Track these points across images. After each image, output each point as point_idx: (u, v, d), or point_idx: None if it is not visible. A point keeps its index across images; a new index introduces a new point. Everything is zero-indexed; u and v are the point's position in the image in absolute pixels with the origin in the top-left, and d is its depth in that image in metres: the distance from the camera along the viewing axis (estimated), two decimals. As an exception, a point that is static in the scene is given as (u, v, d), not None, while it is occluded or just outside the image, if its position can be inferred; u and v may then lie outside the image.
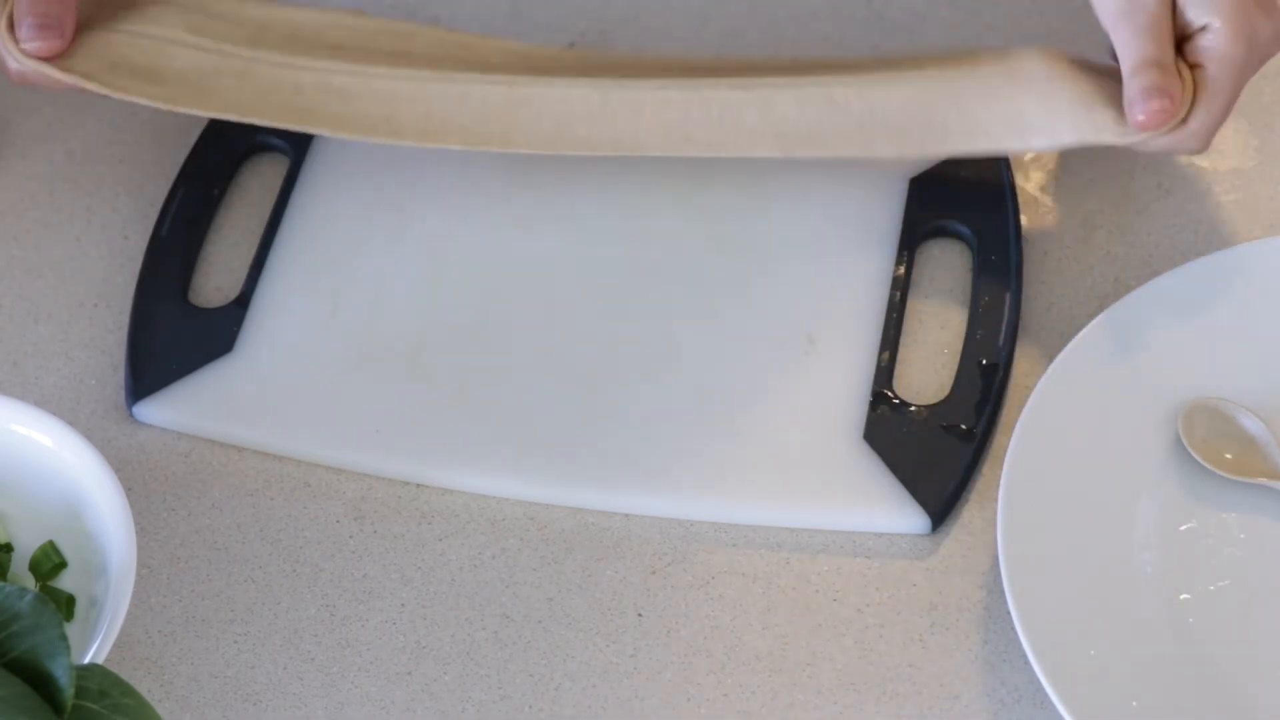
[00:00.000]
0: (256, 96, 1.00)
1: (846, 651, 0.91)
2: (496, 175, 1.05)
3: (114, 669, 0.84)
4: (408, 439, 0.97)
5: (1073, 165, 1.06)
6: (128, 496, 0.89)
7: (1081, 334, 0.95)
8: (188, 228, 1.04)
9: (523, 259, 1.02)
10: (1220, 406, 0.94)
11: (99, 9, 1.01)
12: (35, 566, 0.90)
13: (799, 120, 0.97)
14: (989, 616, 0.92)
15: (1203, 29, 0.93)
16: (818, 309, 1.00)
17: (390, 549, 0.95)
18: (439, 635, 0.92)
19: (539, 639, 0.92)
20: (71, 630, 0.88)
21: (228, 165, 1.07)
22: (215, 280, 1.04)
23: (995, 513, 0.91)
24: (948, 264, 1.03)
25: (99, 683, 0.82)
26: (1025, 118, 0.95)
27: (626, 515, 0.95)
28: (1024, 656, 0.89)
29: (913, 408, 0.97)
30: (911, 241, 1.02)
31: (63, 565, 0.90)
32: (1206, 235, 1.03)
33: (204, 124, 1.08)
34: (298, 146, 1.07)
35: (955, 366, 0.98)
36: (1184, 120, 0.93)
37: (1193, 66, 0.93)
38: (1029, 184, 1.06)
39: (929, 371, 0.99)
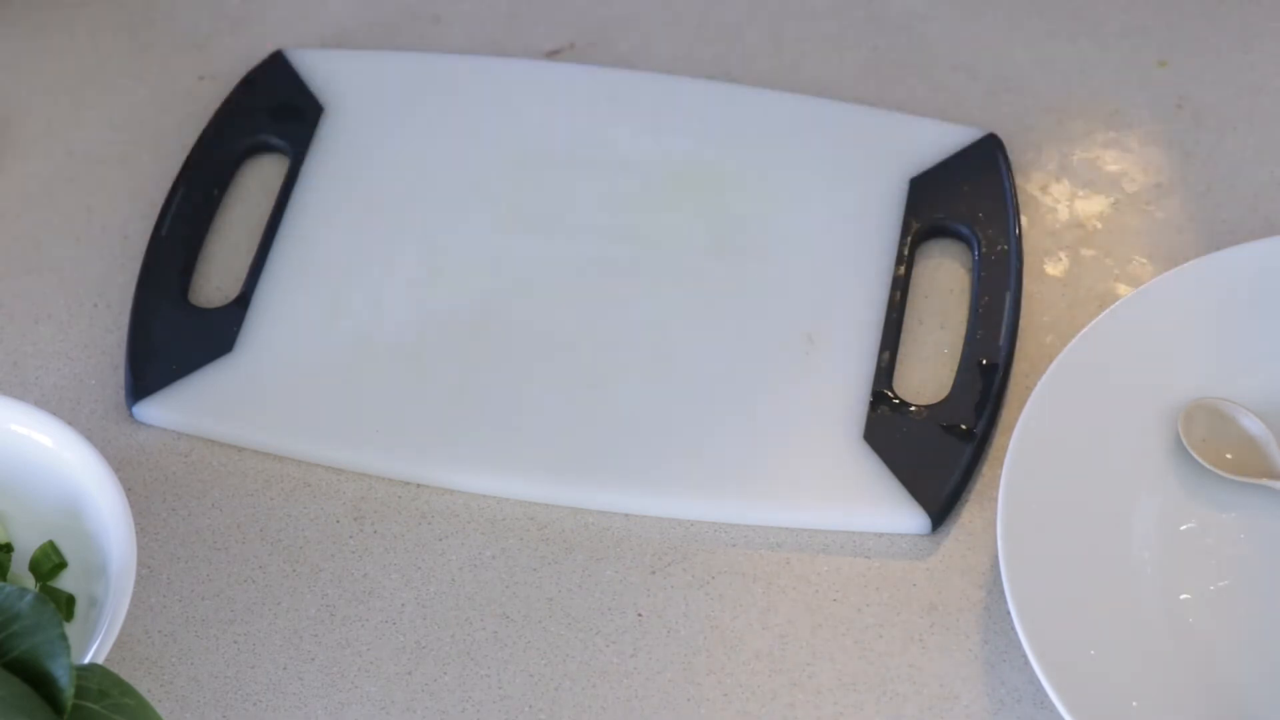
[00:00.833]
0: None
1: (846, 651, 0.91)
2: (496, 175, 1.05)
3: (114, 669, 0.84)
4: (408, 439, 0.97)
5: (1073, 166, 1.06)
6: (128, 496, 0.89)
7: (1081, 334, 0.95)
8: (188, 228, 1.04)
9: (523, 259, 1.02)
10: (1220, 406, 0.94)
11: None
12: (35, 566, 0.90)
13: None
14: (989, 616, 0.92)
15: None
16: (818, 309, 1.00)
17: (390, 549, 0.95)
18: (439, 635, 0.92)
19: (539, 639, 0.92)
20: (71, 630, 0.88)
21: (228, 165, 1.07)
22: (215, 280, 1.04)
23: (995, 513, 0.91)
24: (948, 264, 1.03)
25: (99, 683, 0.82)
26: None
27: (626, 515, 0.95)
28: (1024, 656, 0.89)
29: (913, 408, 0.97)
30: (911, 241, 1.02)
31: (63, 565, 0.90)
32: (1206, 235, 1.03)
33: (204, 124, 1.08)
34: (298, 146, 1.07)
35: (955, 366, 0.98)
36: None
37: None
38: (1029, 184, 1.06)
39: (929, 371, 0.99)
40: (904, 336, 1.00)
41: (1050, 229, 1.04)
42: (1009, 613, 0.89)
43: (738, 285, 1.01)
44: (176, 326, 1.01)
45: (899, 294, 1.00)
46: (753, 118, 1.07)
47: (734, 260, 1.02)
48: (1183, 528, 0.92)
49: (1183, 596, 0.90)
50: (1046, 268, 1.03)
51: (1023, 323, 1.00)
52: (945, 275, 1.02)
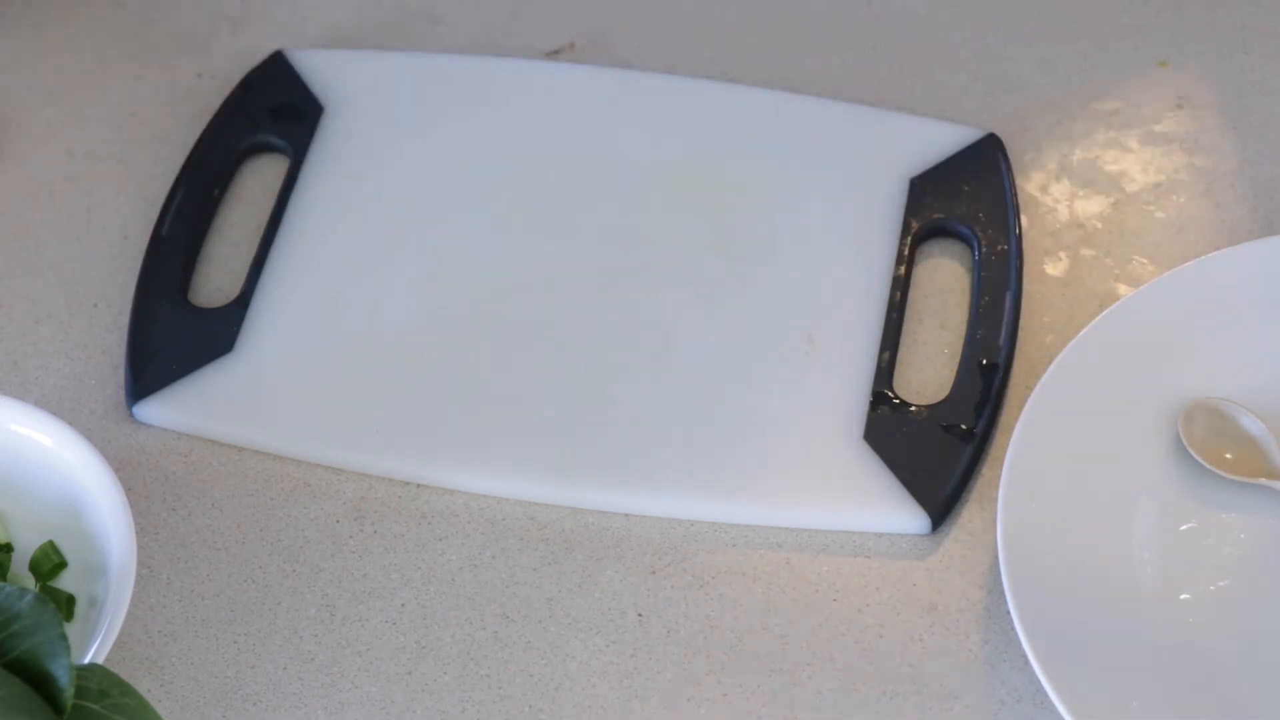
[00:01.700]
0: None
1: (846, 651, 0.91)
2: (496, 175, 1.05)
3: (114, 669, 0.84)
4: (408, 439, 0.97)
5: (1073, 166, 1.06)
6: (128, 496, 0.89)
7: (1081, 334, 0.95)
8: (188, 228, 1.04)
9: (523, 259, 1.02)
10: (1220, 406, 0.94)
11: None
12: (35, 566, 0.90)
13: None
14: (989, 616, 0.92)
15: None
16: (818, 309, 1.00)
17: (390, 549, 0.95)
18: (439, 635, 0.92)
19: (539, 639, 0.92)
20: (71, 630, 0.88)
21: (228, 165, 1.07)
22: (215, 280, 1.04)
23: (995, 513, 0.91)
24: (948, 264, 1.03)
25: (99, 683, 0.82)
26: None
27: (626, 515, 0.95)
28: (1024, 656, 0.89)
29: (913, 408, 0.97)
30: (911, 241, 1.02)
31: (63, 565, 0.90)
32: (1206, 235, 1.03)
33: (204, 124, 1.08)
34: (298, 146, 1.07)
35: (955, 366, 0.98)
36: None
37: None
38: (1029, 184, 1.06)
39: (929, 371, 0.99)
40: (904, 336, 1.00)
41: (1050, 229, 1.04)
42: (1009, 613, 0.89)
43: (738, 285, 1.01)
44: (176, 326, 1.01)
45: (899, 294, 1.00)
46: (753, 118, 1.07)
47: (734, 260, 1.02)
48: (1183, 528, 0.92)
49: (1183, 596, 0.90)
50: (1046, 268, 1.03)
51: (1023, 323, 1.00)
52: (945, 275, 1.02)
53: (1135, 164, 1.06)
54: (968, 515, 0.95)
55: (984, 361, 0.98)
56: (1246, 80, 1.09)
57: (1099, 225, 1.04)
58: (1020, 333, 1.00)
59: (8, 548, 0.91)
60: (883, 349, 0.99)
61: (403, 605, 0.93)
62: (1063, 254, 1.03)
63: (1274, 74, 1.09)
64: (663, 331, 1.00)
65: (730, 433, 0.96)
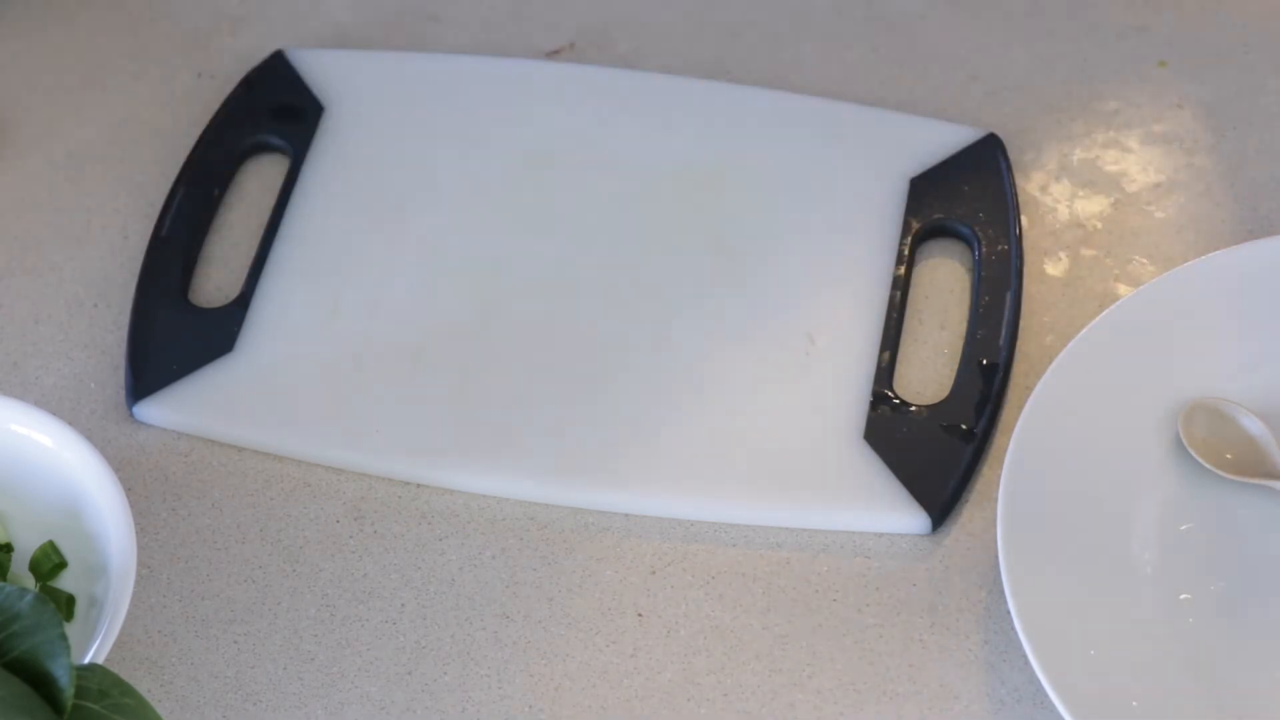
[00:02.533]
0: None
1: (846, 651, 0.91)
2: (496, 175, 1.05)
3: (114, 669, 0.84)
4: (408, 439, 0.97)
5: (1073, 166, 1.06)
6: (128, 496, 0.89)
7: (1081, 334, 0.95)
8: (188, 228, 1.04)
9: (523, 259, 1.02)
10: (1220, 406, 0.94)
11: None
12: (35, 566, 0.90)
13: None
14: (989, 616, 0.92)
15: None
16: (818, 309, 1.00)
17: (390, 549, 0.95)
18: (439, 635, 0.92)
19: (539, 639, 0.92)
20: (71, 630, 0.88)
21: (228, 165, 1.07)
22: (215, 280, 1.04)
23: (995, 513, 0.91)
24: (948, 264, 1.03)
25: (99, 683, 0.82)
26: None
27: (626, 515, 0.95)
28: (1024, 656, 0.89)
29: (913, 408, 0.97)
30: (911, 241, 1.02)
31: (63, 565, 0.90)
32: (1206, 235, 1.03)
33: (204, 124, 1.08)
34: (298, 146, 1.07)
35: (955, 366, 0.98)
36: None
37: None
38: (1029, 184, 1.06)
39: (929, 371, 0.99)
40: (904, 336, 1.00)
41: (1050, 229, 1.04)
42: (1009, 613, 0.89)
43: (738, 285, 1.01)
44: (176, 326, 1.01)
45: (899, 294, 1.00)
46: (753, 118, 1.07)
47: (734, 260, 1.02)
48: (1183, 528, 0.92)
49: (1183, 596, 0.90)
50: (1046, 268, 1.03)
51: (1023, 323, 1.00)
52: (945, 275, 1.02)
53: (1135, 164, 1.06)
54: (968, 515, 0.95)
55: (984, 361, 0.98)
56: (1246, 80, 1.09)
57: (1099, 225, 1.04)
58: (1020, 333, 1.00)
59: (8, 548, 0.91)
60: (883, 349, 0.99)
61: (403, 605, 0.93)
62: (1063, 254, 1.03)
63: (1274, 74, 1.09)
64: (662, 331, 1.00)
65: (731, 432, 0.96)
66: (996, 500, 0.91)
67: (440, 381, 0.98)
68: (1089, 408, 0.94)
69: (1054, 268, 1.03)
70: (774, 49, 1.12)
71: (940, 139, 1.06)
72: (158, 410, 0.98)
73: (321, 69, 1.10)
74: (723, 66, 1.11)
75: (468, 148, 1.06)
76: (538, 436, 0.96)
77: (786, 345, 0.99)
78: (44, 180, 1.08)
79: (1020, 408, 0.94)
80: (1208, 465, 0.93)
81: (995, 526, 0.90)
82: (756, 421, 0.97)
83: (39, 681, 0.81)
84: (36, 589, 0.89)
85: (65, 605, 0.89)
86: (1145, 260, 1.03)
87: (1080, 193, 1.05)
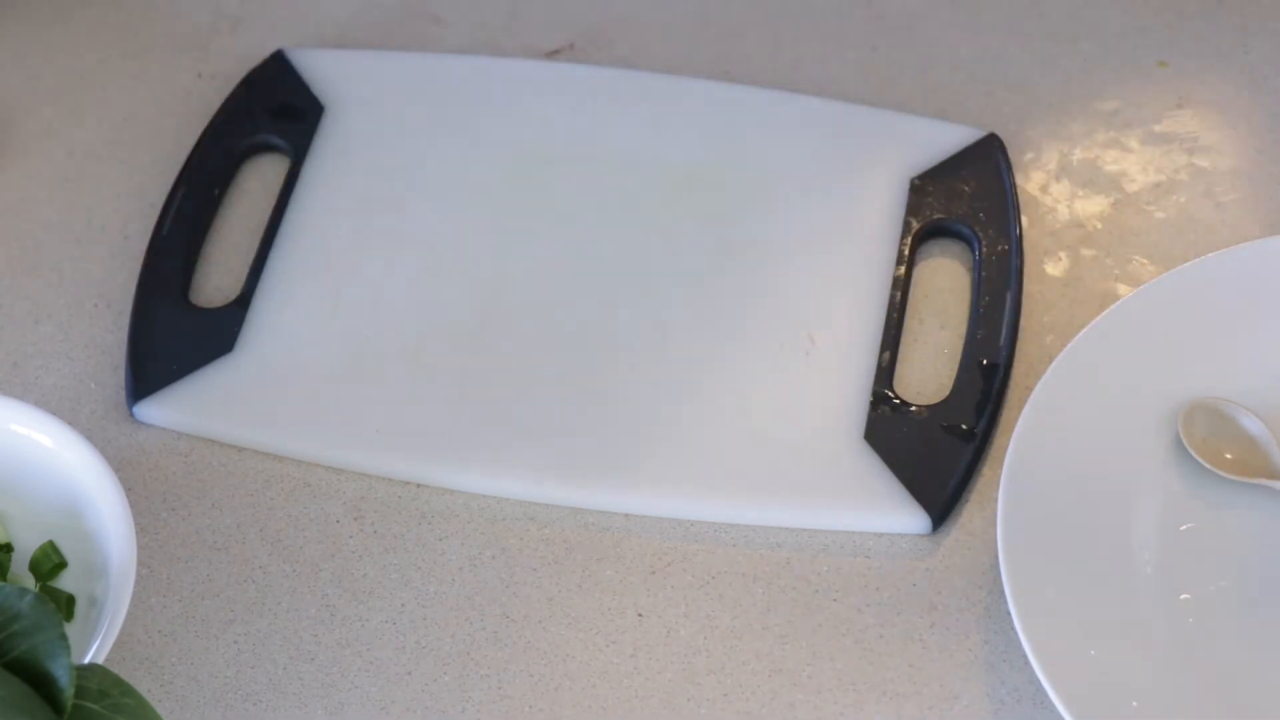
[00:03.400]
0: None
1: (846, 651, 0.91)
2: (496, 175, 1.05)
3: (114, 669, 0.84)
4: (408, 439, 0.97)
5: (1073, 166, 1.06)
6: (128, 496, 0.89)
7: (1081, 334, 0.95)
8: (188, 228, 1.04)
9: (523, 258, 1.02)
10: (1220, 406, 0.94)
11: None
12: (35, 566, 0.90)
13: None
14: (989, 616, 0.92)
15: None
16: (818, 309, 1.00)
17: (390, 549, 0.95)
18: (439, 635, 0.92)
19: (539, 639, 0.92)
20: (71, 630, 0.88)
21: (228, 165, 1.07)
22: (215, 280, 1.04)
23: (995, 513, 0.91)
24: (948, 264, 1.03)
25: (99, 683, 0.82)
26: None
27: (626, 515, 0.95)
28: (1024, 656, 0.89)
29: (913, 408, 0.97)
30: (912, 241, 1.02)
31: (63, 565, 0.90)
32: (1206, 235, 1.03)
33: (204, 124, 1.08)
34: (298, 146, 1.07)
35: (955, 366, 0.98)
36: None
37: None
38: (1029, 184, 1.06)
39: (929, 371, 0.99)
40: (904, 336, 1.00)
41: (1050, 229, 1.04)
42: (1009, 613, 0.89)
43: (738, 285, 1.01)
44: (176, 326, 1.01)
45: (899, 294, 1.00)
46: (753, 118, 1.07)
47: (734, 260, 1.02)
48: (1183, 528, 0.92)
49: (1183, 596, 0.90)
50: (1046, 268, 1.03)
51: (1023, 323, 1.00)
52: (945, 275, 1.02)
53: (1135, 164, 1.06)
54: (968, 515, 0.95)
55: (984, 361, 0.98)
56: (1246, 80, 1.09)
57: (1099, 225, 1.04)
58: (1020, 333, 1.00)
59: (8, 548, 0.91)
60: (883, 349, 0.99)
61: (403, 605, 0.93)
62: (1063, 254, 1.03)
63: (1274, 74, 1.09)
64: (663, 331, 1.00)
65: (730, 433, 0.96)
66: (996, 500, 0.91)
67: (440, 381, 0.98)
68: (1089, 408, 0.94)
69: (1054, 268, 1.03)
70: (774, 49, 1.12)
71: (940, 139, 1.06)
72: (158, 410, 0.98)
73: (321, 69, 1.10)
74: (723, 66, 1.11)
75: (468, 148, 1.06)
76: (538, 436, 0.96)
77: (786, 345, 0.99)
78: (44, 180, 1.08)
79: (1020, 408, 0.94)
80: (1208, 465, 0.93)
81: (995, 526, 0.90)
82: (757, 421, 0.97)
83: (39, 681, 0.81)
84: (36, 589, 0.89)
85: (65, 605, 0.89)
86: (1145, 260, 1.03)
87: (1080, 193, 1.05)
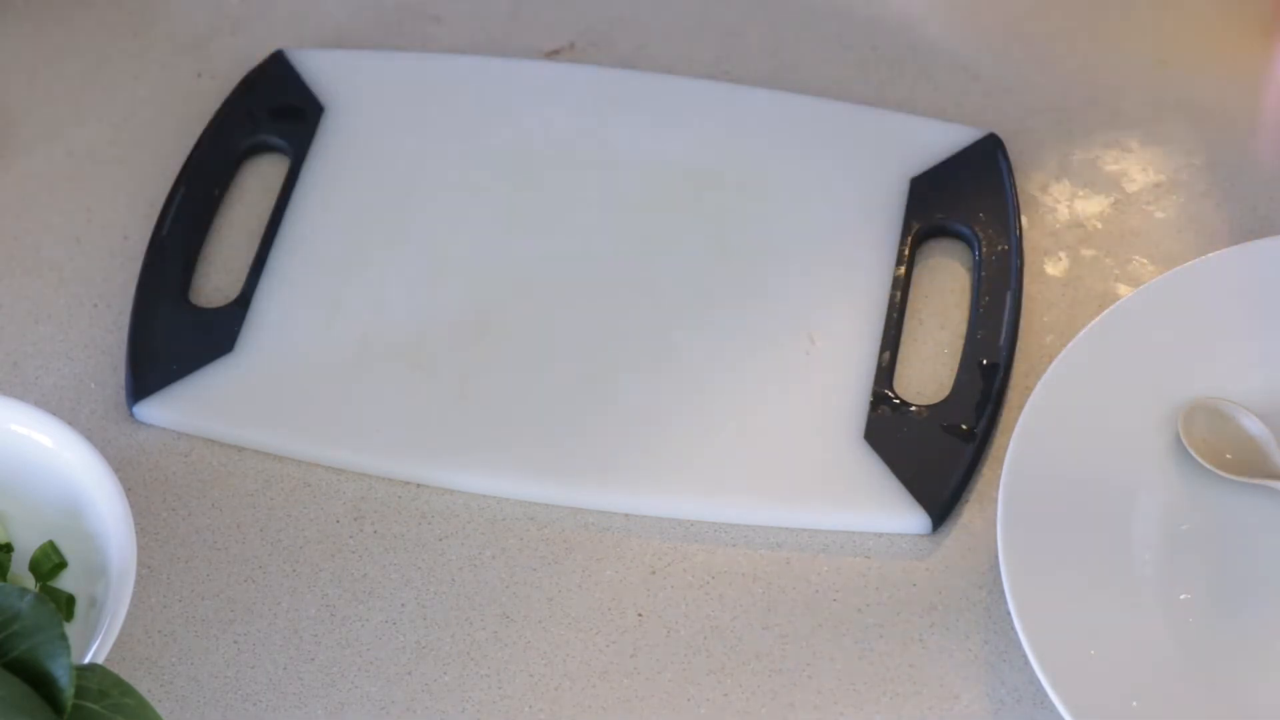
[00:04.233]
0: None
1: (846, 651, 0.91)
2: (496, 175, 1.05)
3: (114, 669, 0.84)
4: (408, 439, 0.97)
5: (1073, 166, 1.06)
6: (128, 496, 0.89)
7: (1081, 334, 0.95)
8: (188, 228, 1.04)
9: (523, 259, 1.02)
10: (1220, 406, 0.94)
11: None
12: (35, 566, 0.90)
13: None
14: (989, 616, 0.92)
15: None
16: (818, 309, 1.00)
17: (390, 549, 0.95)
18: (439, 635, 0.92)
19: (539, 639, 0.92)
20: (71, 630, 0.88)
21: (228, 165, 1.07)
22: (215, 280, 1.04)
23: (995, 513, 0.91)
24: (948, 264, 1.03)
25: (99, 683, 0.82)
26: None
27: (626, 515, 0.95)
28: (1024, 656, 0.89)
29: (913, 408, 0.97)
30: (912, 241, 1.02)
31: (63, 565, 0.90)
32: (1206, 235, 1.03)
33: (204, 124, 1.08)
34: (298, 146, 1.07)
35: (955, 366, 0.98)
36: None
37: None
38: (1029, 184, 1.06)
39: (929, 371, 0.99)
40: (904, 336, 1.00)
41: (1050, 229, 1.04)
42: (1009, 613, 0.89)
43: (738, 285, 1.01)
44: (176, 326, 1.01)
45: (899, 294, 1.00)
46: (753, 118, 1.07)
47: (734, 260, 1.02)
48: (1183, 528, 0.92)
49: (1183, 596, 0.90)
50: (1046, 268, 1.03)
51: (1023, 323, 1.00)
52: (945, 275, 1.02)
53: (1135, 164, 1.06)
54: (968, 515, 0.95)
55: (984, 361, 0.98)
56: (1246, 80, 1.09)
57: (1099, 225, 1.04)
58: (1020, 333, 1.00)
59: (8, 548, 0.91)
60: (883, 349, 0.99)
61: (403, 605, 0.93)
62: (1063, 254, 1.03)
63: (1274, 74, 1.09)
64: (663, 331, 1.00)
65: (730, 433, 0.96)
66: (996, 500, 0.91)
67: (440, 381, 0.98)
68: (1089, 408, 0.94)
69: (1054, 268, 1.03)
70: (774, 49, 1.12)
71: (940, 139, 1.06)
72: (158, 410, 0.98)
73: (321, 69, 1.10)
74: (723, 66, 1.11)
75: (468, 148, 1.06)
76: (538, 436, 0.96)
77: (786, 345, 0.99)
78: (44, 180, 1.08)
79: (1020, 408, 0.94)
80: (1208, 465, 0.93)
81: (995, 526, 0.90)
82: (756, 421, 0.97)
83: (39, 681, 0.81)
84: (36, 589, 0.89)
85: (65, 605, 0.89)
86: (1145, 260, 1.03)
87: (1080, 193, 1.05)
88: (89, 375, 1.01)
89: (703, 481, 0.95)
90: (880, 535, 0.94)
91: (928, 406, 0.97)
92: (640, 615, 0.92)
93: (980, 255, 1.02)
